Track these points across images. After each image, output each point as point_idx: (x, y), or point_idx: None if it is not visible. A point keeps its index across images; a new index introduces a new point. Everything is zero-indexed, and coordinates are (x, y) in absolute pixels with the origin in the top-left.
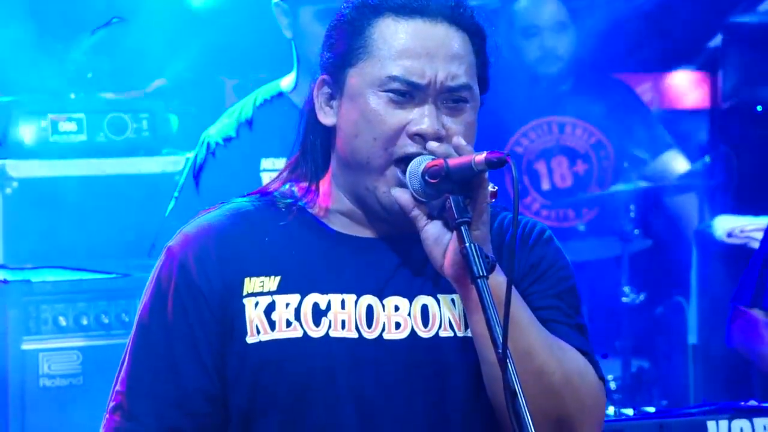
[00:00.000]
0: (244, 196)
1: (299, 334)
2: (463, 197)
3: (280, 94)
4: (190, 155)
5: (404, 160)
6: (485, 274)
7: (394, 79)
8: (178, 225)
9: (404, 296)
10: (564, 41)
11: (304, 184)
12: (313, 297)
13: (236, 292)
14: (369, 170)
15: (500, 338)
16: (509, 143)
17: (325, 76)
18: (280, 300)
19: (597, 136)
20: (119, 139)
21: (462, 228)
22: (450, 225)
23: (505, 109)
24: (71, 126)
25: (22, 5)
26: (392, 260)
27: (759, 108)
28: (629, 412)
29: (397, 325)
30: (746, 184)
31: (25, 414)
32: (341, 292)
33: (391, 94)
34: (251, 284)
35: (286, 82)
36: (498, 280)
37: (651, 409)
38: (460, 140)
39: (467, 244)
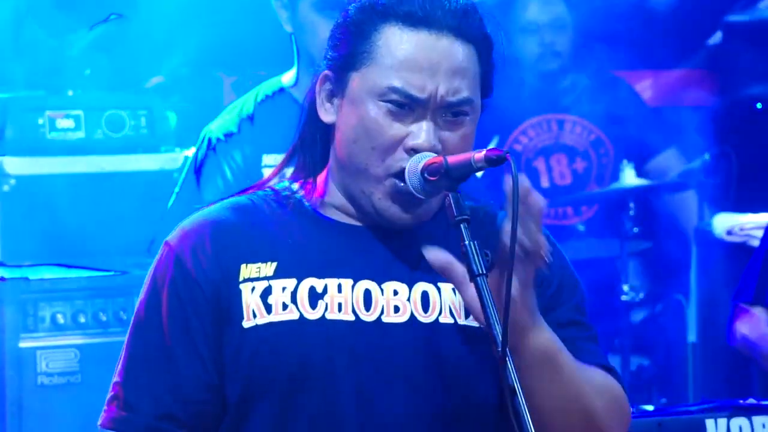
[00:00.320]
0: (242, 193)
1: (295, 316)
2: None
3: (282, 90)
4: (189, 152)
5: (401, 174)
6: (485, 272)
7: (394, 90)
8: (178, 221)
9: (403, 282)
10: (563, 38)
11: (301, 179)
12: (310, 281)
13: (232, 279)
14: (366, 177)
15: (500, 337)
16: (508, 140)
17: (328, 72)
18: (277, 284)
19: (596, 133)
20: (117, 136)
21: (461, 226)
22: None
23: (504, 106)
24: (69, 123)
25: (19, 1)
26: (390, 248)
27: (759, 105)
28: None
29: (396, 309)
30: (746, 182)
31: (23, 412)
32: (338, 277)
33: (390, 105)
34: (248, 270)
35: (287, 78)
36: (544, 336)
37: (649, 407)
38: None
39: (466, 242)
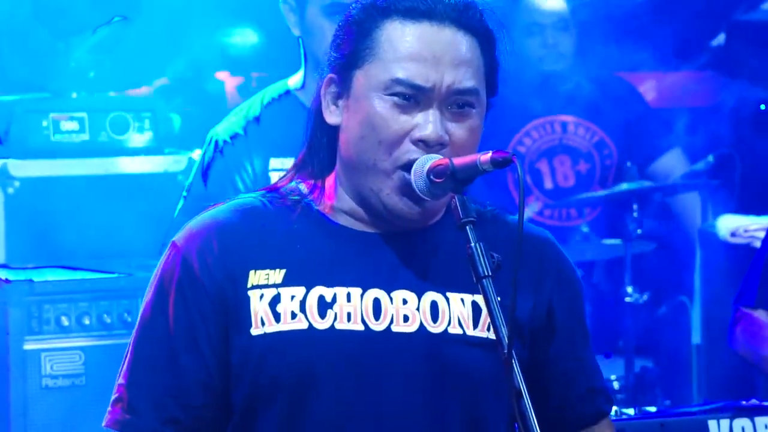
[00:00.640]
0: (251, 193)
1: (304, 326)
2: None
3: (288, 93)
4: (193, 155)
5: (409, 166)
6: (490, 273)
7: (398, 82)
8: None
9: (412, 290)
10: (566, 39)
11: (311, 182)
12: (319, 290)
13: (240, 285)
14: (375, 172)
15: (506, 339)
16: (512, 142)
17: (332, 75)
18: (286, 292)
19: (600, 135)
20: (121, 138)
21: (467, 228)
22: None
23: (508, 107)
24: (73, 125)
25: (24, 4)
26: (398, 255)
27: (762, 107)
28: (630, 411)
29: (405, 318)
30: (750, 184)
31: (28, 414)
32: (347, 286)
33: (395, 98)
34: (256, 276)
35: (294, 81)
36: None
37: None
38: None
39: (472, 244)
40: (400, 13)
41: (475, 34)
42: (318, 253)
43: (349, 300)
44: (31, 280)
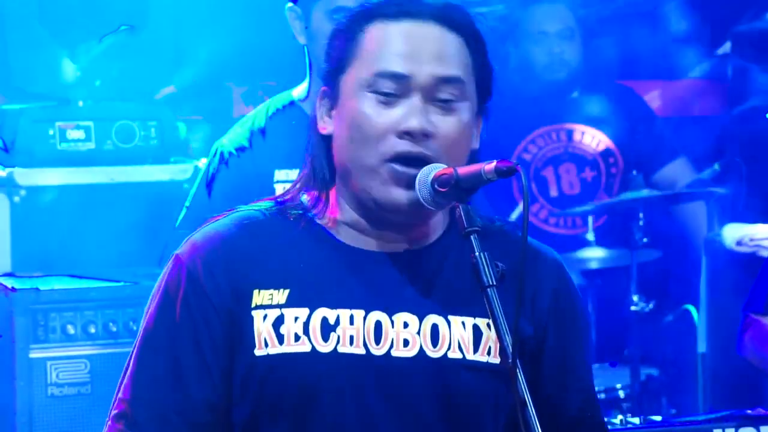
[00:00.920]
0: (253, 205)
1: (307, 348)
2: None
3: (292, 103)
4: (199, 163)
5: (396, 159)
6: (495, 283)
7: (379, 75)
8: (189, 233)
9: (414, 313)
10: (571, 47)
11: (314, 193)
12: (322, 311)
13: (245, 303)
14: (364, 171)
15: (510, 348)
16: (517, 150)
17: (325, 88)
18: (289, 313)
19: (605, 143)
20: (127, 146)
21: (471, 237)
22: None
23: (513, 115)
24: (79, 134)
25: (30, 13)
26: (401, 275)
27: None
28: (636, 420)
29: (405, 343)
30: (756, 192)
31: (33, 422)
32: (350, 308)
33: (379, 96)
34: (260, 296)
35: (299, 91)
36: None
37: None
38: None
39: (476, 253)
40: (383, 16)
41: (460, 33)
42: (321, 273)
43: (352, 323)
44: (37, 289)
